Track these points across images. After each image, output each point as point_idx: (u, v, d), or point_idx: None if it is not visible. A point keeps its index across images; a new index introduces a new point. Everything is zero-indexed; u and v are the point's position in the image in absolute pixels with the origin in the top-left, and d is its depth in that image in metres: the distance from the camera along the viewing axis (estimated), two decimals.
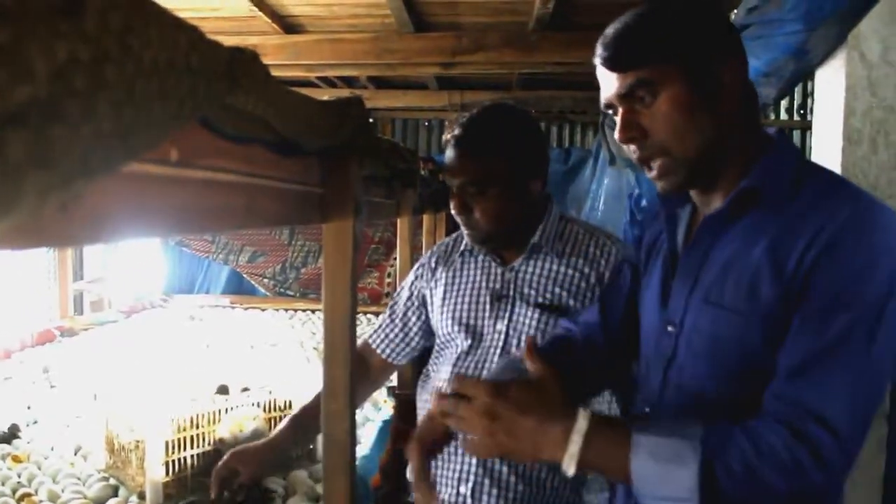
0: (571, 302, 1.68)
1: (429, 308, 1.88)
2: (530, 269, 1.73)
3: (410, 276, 1.95)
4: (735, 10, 2.32)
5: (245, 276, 6.21)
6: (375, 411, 2.53)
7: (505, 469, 1.62)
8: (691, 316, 1.12)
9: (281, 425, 1.80)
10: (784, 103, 5.73)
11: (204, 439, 1.84)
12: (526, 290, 1.71)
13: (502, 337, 1.71)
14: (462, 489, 1.65)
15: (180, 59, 0.51)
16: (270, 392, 2.05)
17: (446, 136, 1.73)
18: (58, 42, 0.32)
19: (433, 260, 1.91)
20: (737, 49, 1.08)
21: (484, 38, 3.79)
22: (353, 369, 1.14)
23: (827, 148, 2.04)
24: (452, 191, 1.69)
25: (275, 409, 2.02)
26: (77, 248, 5.63)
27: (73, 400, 2.68)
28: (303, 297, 5.94)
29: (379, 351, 1.93)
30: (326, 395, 1.14)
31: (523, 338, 1.67)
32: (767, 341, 1.01)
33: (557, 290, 1.69)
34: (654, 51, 1.03)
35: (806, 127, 5.50)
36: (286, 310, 5.40)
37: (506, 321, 1.71)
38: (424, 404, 1.82)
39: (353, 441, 1.17)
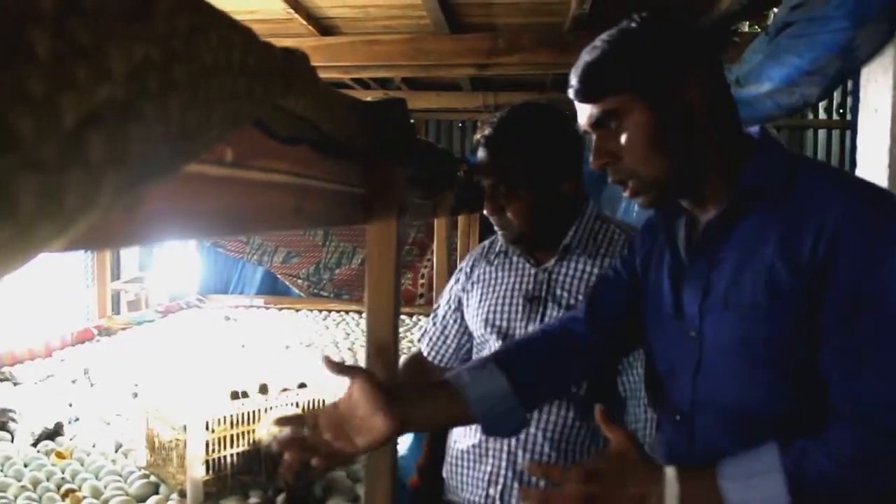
0: None
1: (465, 311, 1.86)
2: (563, 271, 1.70)
3: (451, 281, 1.96)
4: (775, 9, 2.30)
5: (279, 276, 6.26)
6: None
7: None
8: (711, 322, 1.11)
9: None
10: (823, 102, 5.64)
11: (244, 438, 1.85)
12: (559, 292, 1.68)
13: None
14: (491, 491, 1.65)
15: (237, 60, 0.51)
16: (307, 391, 2.07)
17: (477, 135, 1.72)
18: (133, 44, 0.32)
19: (470, 263, 1.90)
20: (703, 59, 1.10)
21: (519, 39, 3.78)
22: (395, 369, 1.14)
23: (872, 148, 2.00)
24: (485, 191, 1.68)
25: (313, 408, 2.02)
26: (132, 248, 5.72)
27: (113, 398, 2.72)
28: (336, 297, 5.97)
29: (430, 357, 1.94)
30: None
31: None
32: (794, 334, 1.02)
33: (586, 289, 1.65)
34: (615, 82, 1.07)
35: (846, 127, 5.40)
36: (320, 310, 5.43)
37: (537, 323, 1.68)
38: None
39: (395, 442, 1.17)
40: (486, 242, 1.91)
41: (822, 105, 5.66)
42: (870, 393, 0.95)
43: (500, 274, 1.79)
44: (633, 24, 1.09)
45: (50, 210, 0.24)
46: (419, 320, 4.61)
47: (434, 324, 1.96)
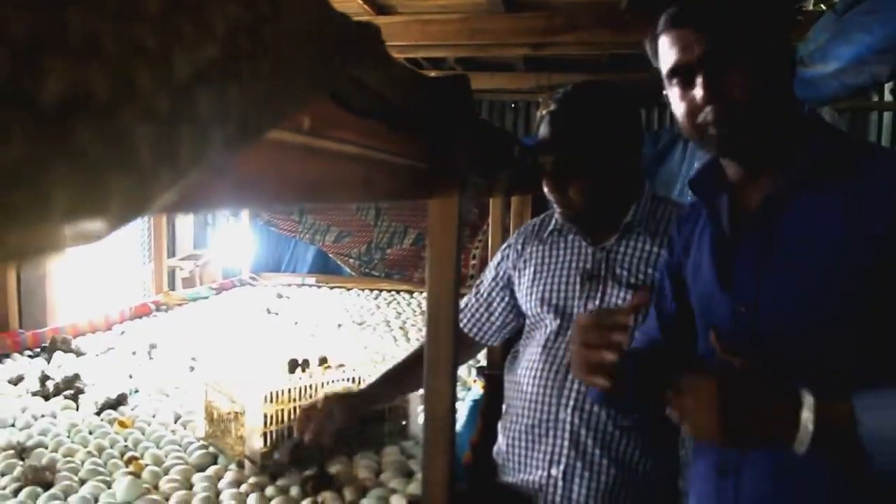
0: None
1: (515, 289, 1.86)
2: (622, 250, 1.69)
3: (497, 257, 1.95)
4: None
5: (331, 255, 6.31)
6: (465, 391, 2.54)
7: (598, 451, 1.60)
8: (768, 292, 1.11)
9: (373, 380, 1.91)
10: (889, 85, 5.47)
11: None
12: (618, 271, 1.67)
13: None
14: (553, 471, 1.64)
15: (316, 27, 0.51)
16: (362, 367, 2.08)
17: (541, 111, 1.71)
18: (228, 4, 0.33)
19: (520, 241, 1.88)
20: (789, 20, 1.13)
21: (576, 18, 3.73)
22: (455, 347, 1.14)
23: None
24: (546, 168, 1.67)
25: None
26: (173, 224, 5.83)
27: (170, 371, 2.78)
28: (387, 277, 6.01)
29: (466, 330, 1.93)
30: (429, 373, 1.15)
31: None
32: (861, 303, 1.03)
33: (650, 270, 1.65)
34: (747, 15, 1.10)
35: None
36: (371, 290, 5.47)
37: (597, 302, 1.67)
38: (512, 385, 1.81)
39: (453, 419, 1.18)
40: (537, 220, 1.90)
41: (888, 87, 5.48)
42: None
43: (554, 252, 1.78)
44: None
45: (166, 160, 0.24)
46: None
47: (477, 299, 1.96)
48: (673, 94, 1.16)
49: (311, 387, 1.90)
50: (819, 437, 0.93)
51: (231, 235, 6.13)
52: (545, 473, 1.66)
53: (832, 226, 1.05)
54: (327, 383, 1.94)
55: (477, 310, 1.94)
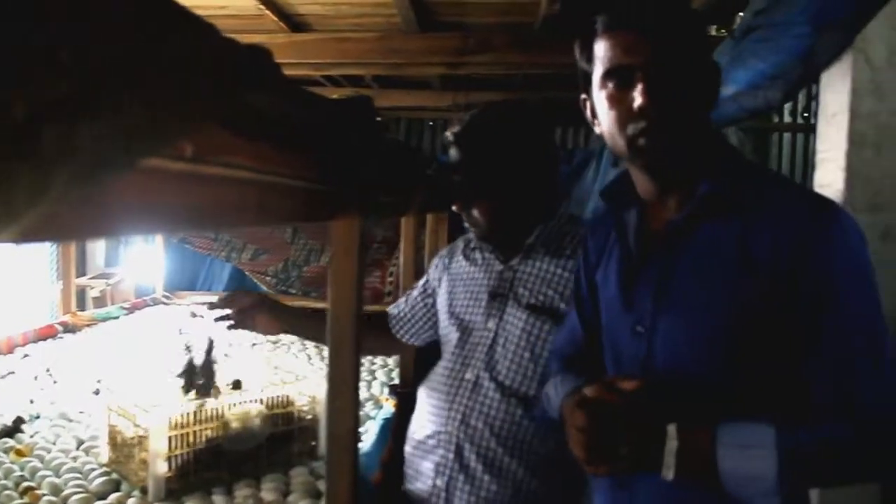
0: (562, 305, 1.65)
1: (437, 299, 1.91)
2: (525, 269, 1.72)
3: (431, 268, 2.00)
4: (741, 13, 2.33)
5: (247, 273, 6.22)
6: (377, 409, 2.54)
7: (480, 467, 1.61)
8: (664, 317, 1.14)
9: (301, 314, 2.08)
10: (787, 106, 5.72)
11: (206, 436, 1.84)
12: (520, 291, 1.70)
13: (491, 335, 1.70)
14: (438, 482, 1.66)
15: (200, 56, 0.51)
16: (272, 389, 2.06)
17: (448, 133, 1.73)
18: (91, 41, 0.33)
19: (450, 254, 1.93)
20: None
21: (490, 38, 3.79)
22: (357, 366, 1.14)
23: (831, 152, 2.04)
24: (454, 188, 1.70)
25: (278, 406, 2.02)
26: (82, 243, 5.65)
27: (75, 395, 2.69)
28: (305, 295, 5.95)
29: (394, 332, 2.03)
30: (331, 392, 1.15)
31: (511, 338, 1.67)
32: (747, 334, 1.06)
33: (550, 292, 1.67)
34: (683, 25, 1.11)
35: (809, 130, 5.48)
36: None
37: (497, 320, 1.70)
38: (422, 402, 1.81)
39: (356, 438, 1.18)
40: (470, 235, 1.92)
41: (787, 108, 5.74)
42: (857, 393, 1.00)
43: (471, 268, 1.82)
44: None
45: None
46: None
47: (406, 302, 2.03)
48: (603, 97, 1.13)
49: (217, 409, 1.87)
50: (683, 469, 0.99)
51: (144, 253, 5.98)
52: (432, 483, 1.68)
53: (726, 259, 1.08)
54: (234, 405, 1.91)
55: (403, 312, 2.02)
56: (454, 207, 1.73)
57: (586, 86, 1.20)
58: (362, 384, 3.62)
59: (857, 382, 1.00)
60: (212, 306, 1.87)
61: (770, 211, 1.07)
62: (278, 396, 2.01)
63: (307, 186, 0.95)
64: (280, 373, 2.19)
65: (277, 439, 1.94)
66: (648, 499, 1.15)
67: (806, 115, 5.67)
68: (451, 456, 1.65)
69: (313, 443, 2.01)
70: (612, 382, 1.11)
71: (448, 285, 1.85)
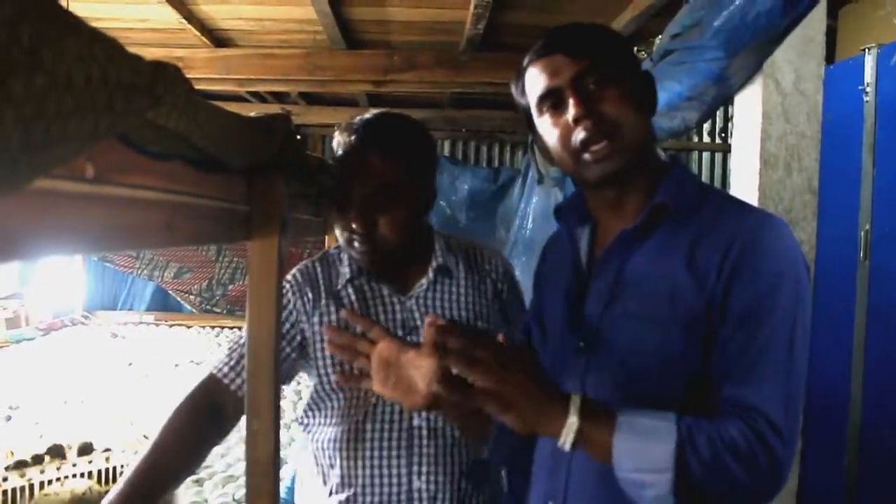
0: (480, 323, 1.57)
1: (310, 349, 1.56)
2: (434, 295, 1.57)
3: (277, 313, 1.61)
4: (659, 37, 2.39)
5: (171, 292, 6.09)
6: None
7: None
8: (609, 329, 1.15)
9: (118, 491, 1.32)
10: (706, 126, 5.90)
11: None
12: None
13: None
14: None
15: (97, 72, 0.50)
16: (108, 458, 1.71)
17: (344, 138, 1.50)
18: None
19: (308, 293, 1.58)
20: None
21: (415, 57, 3.81)
22: (277, 387, 1.12)
23: (745, 171, 2.11)
24: (351, 202, 1.46)
25: (114, 481, 1.68)
26: None
27: None
28: (229, 314, 5.86)
29: (228, 381, 1.51)
30: (250, 414, 1.12)
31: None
32: (688, 347, 1.07)
33: (464, 313, 1.57)
34: (609, 43, 1.16)
35: (726, 150, 5.67)
36: (212, 327, 5.31)
37: None
38: (334, 462, 1.55)
39: (276, 463, 1.15)
40: (311, 268, 1.63)
41: (705, 129, 5.92)
42: (755, 396, 1.01)
43: (359, 308, 1.55)
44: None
45: None
46: None
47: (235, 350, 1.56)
48: (544, 123, 1.15)
49: (21, 489, 1.58)
50: (581, 441, 0.99)
51: (62, 272, 5.79)
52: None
53: (670, 269, 1.09)
54: (50, 481, 1.63)
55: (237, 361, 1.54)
56: (354, 225, 1.46)
57: (530, 124, 1.23)
58: (287, 405, 3.55)
59: (762, 387, 1.01)
60: None
61: (718, 221, 1.10)
62: (114, 467, 1.64)
63: (223, 206, 0.93)
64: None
65: None
66: (582, 480, 1.15)
67: (723, 135, 5.86)
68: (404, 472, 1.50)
69: None
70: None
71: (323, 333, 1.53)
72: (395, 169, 1.46)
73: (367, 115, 1.54)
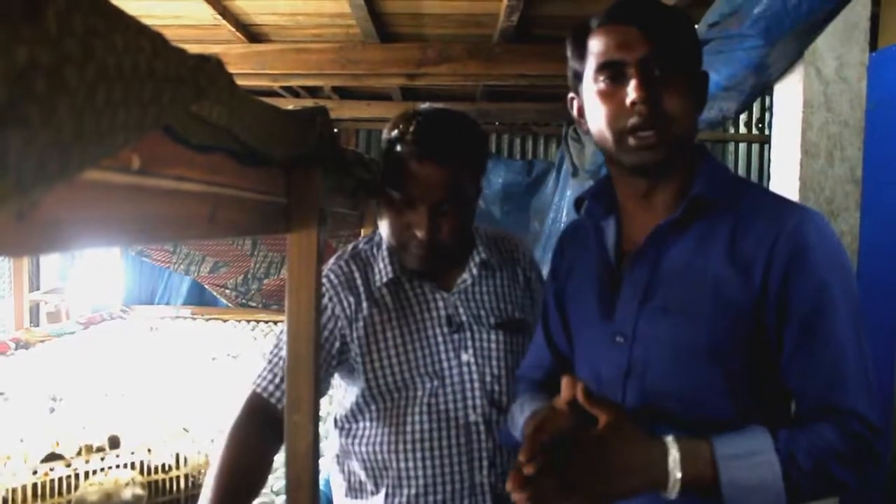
0: (518, 314, 1.58)
1: (354, 354, 1.53)
2: (477, 289, 1.57)
3: (317, 316, 1.51)
4: (696, 26, 2.35)
5: (207, 286, 6.15)
6: None
7: None
8: (647, 326, 1.13)
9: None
10: (743, 117, 5.83)
11: None
12: (479, 313, 1.55)
13: (473, 368, 1.52)
14: None
15: (144, 64, 0.50)
16: (150, 450, 1.72)
17: (400, 142, 1.46)
18: (18, 45, 0.31)
19: (347, 297, 1.55)
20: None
21: (449, 50, 3.79)
22: (317, 380, 1.12)
23: (785, 161, 2.08)
24: (415, 209, 1.44)
25: (156, 472, 1.72)
26: (34, 257, 5.53)
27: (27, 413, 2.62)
28: (265, 308, 5.90)
29: (274, 401, 1.46)
30: (290, 407, 1.13)
31: (493, 364, 1.51)
32: (735, 340, 1.06)
33: (504, 305, 1.57)
34: (686, 31, 1.13)
35: (764, 140, 5.58)
36: (248, 321, 5.36)
37: (470, 350, 1.52)
38: (386, 465, 1.54)
39: (316, 455, 1.16)
40: (346, 270, 1.59)
41: (742, 119, 5.84)
42: (842, 398, 1.01)
43: (402, 307, 1.55)
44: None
45: None
46: None
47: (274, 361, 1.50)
48: (594, 92, 1.11)
49: (67, 478, 1.60)
50: (687, 485, 0.96)
51: (101, 267, 5.88)
52: None
53: (713, 266, 1.07)
54: (95, 472, 1.65)
55: (275, 373, 1.49)
56: (419, 233, 1.44)
57: (576, 84, 1.18)
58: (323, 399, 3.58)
59: (847, 388, 1.01)
60: None
61: (758, 215, 1.07)
62: (152, 461, 1.66)
63: (263, 199, 0.94)
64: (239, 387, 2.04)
65: None
66: None
67: (761, 126, 5.77)
68: None
69: None
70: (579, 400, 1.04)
71: (378, 336, 1.52)
72: (460, 177, 1.45)
73: (424, 114, 1.49)
